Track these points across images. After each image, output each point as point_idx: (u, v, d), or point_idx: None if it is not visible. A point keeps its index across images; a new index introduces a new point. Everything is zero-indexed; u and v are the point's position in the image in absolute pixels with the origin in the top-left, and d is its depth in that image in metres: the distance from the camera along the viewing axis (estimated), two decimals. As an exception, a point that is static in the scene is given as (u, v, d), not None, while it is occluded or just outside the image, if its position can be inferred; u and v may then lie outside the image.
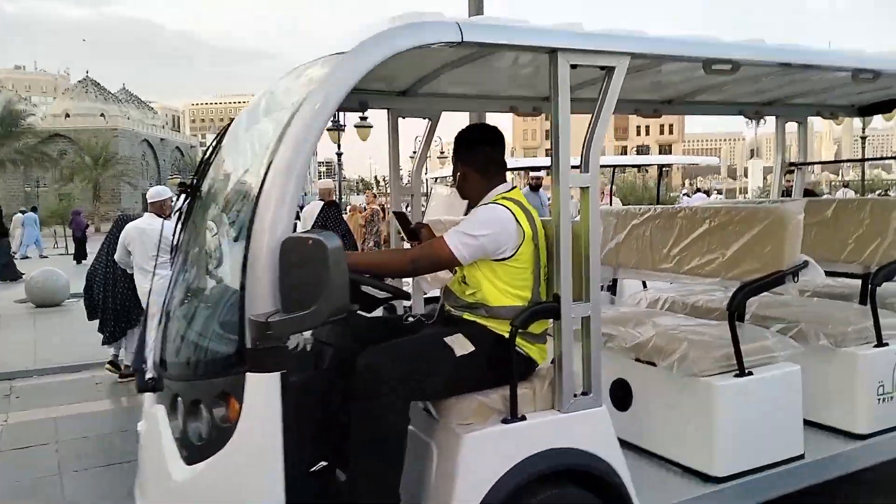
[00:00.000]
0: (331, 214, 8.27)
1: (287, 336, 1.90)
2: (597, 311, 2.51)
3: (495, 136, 2.68)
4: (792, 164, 5.10)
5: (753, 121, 5.32)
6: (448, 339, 2.38)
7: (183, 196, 2.67)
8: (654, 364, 3.04)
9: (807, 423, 3.26)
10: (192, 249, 2.55)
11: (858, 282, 3.90)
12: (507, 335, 2.40)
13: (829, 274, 4.33)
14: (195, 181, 2.65)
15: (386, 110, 3.72)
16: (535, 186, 10.06)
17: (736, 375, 2.90)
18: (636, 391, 3.18)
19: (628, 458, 3.06)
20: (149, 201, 6.34)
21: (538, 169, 9.56)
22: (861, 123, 23.83)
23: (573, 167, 2.46)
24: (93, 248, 20.70)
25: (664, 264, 3.67)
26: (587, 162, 2.47)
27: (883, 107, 4.94)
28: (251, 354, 1.88)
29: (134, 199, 60.21)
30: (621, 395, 3.24)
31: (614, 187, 13.91)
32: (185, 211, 2.65)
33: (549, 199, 15.95)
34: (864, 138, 23.44)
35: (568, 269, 2.43)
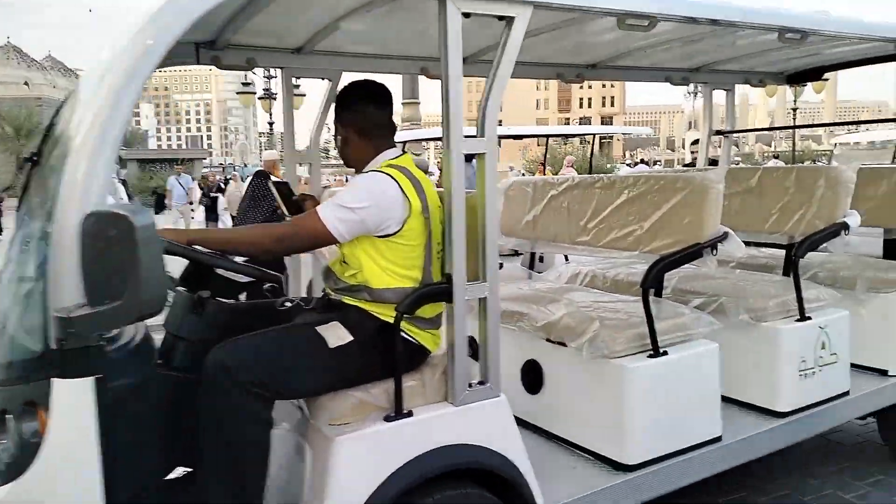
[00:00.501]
0: (258, 186, 7.63)
1: (100, 333, 1.56)
2: (494, 292, 2.25)
3: (382, 95, 2.37)
4: (718, 131, 4.94)
5: (692, 94, 5.19)
6: (321, 329, 2.08)
7: (28, 166, 2.28)
8: (564, 345, 2.82)
9: (728, 400, 3.12)
10: (20, 229, 2.17)
11: (784, 252, 3.77)
12: (392, 321, 2.12)
13: (754, 244, 4.22)
14: (39, 149, 2.26)
15: (279, 69, 3.38)
16: (468, 157, 9.72)
17: (650, 356, 2.70)
18: (547, 373, 2.96)
19: (538, 446, 2.86)
20: None
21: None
22: (793, 96, 24.34)
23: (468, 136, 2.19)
24: (9, 223, 19.61)
25: (582, 237, 3.45)
26: (483, 126, 2.19)
27: (811, 74, 4.83)
28: (57, 357, 1.54)
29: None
30: (532, 378, 3.02)
31: (574, 158, 13.81)
32: (25, 184, 2.26)
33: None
34: (794, 110, 24.01)
35: (461, 246, 2.16)
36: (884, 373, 3.57)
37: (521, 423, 3.01)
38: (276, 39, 3.17)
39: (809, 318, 3.20)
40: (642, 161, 23.98)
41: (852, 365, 3.42)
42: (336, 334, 2.07)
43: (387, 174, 2.16)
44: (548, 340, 2.92)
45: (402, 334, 2.18)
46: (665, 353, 2.72)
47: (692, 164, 7.78)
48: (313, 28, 3.01)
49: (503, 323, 3.06)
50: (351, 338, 2.09)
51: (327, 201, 2.14)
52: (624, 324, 2.76)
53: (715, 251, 2.79)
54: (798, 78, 4.87)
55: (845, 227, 3.28)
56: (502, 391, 2.31)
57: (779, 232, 3.59)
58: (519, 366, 3.06)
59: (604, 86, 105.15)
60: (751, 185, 3.71)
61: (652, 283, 2.72)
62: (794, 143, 22.80)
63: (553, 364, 2.94)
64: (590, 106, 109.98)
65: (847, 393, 3.34)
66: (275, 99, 19.29)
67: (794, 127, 18.06)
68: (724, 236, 2.79)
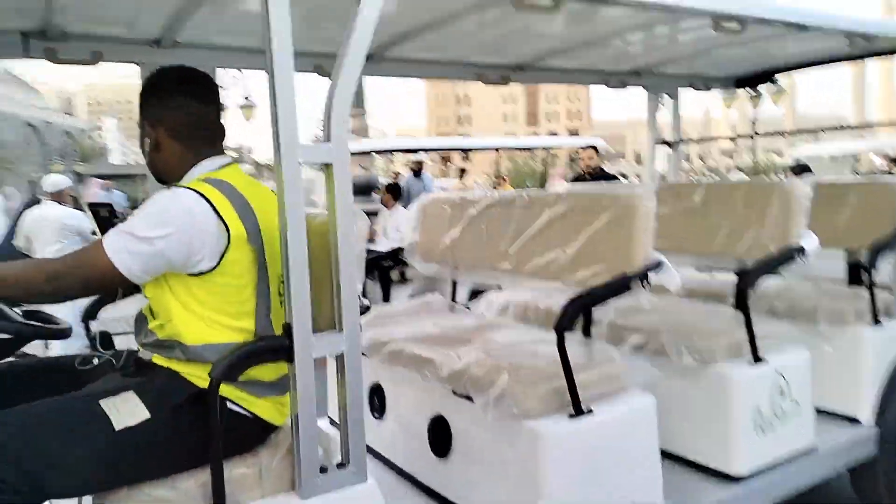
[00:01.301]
0: None
1: None
2: (354, 346, 1.72)
3: (205, 86, 1.86)
4: (663, 142, 4.50)
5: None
6: (106, 403, 1.53)
7: None
8: (472, 399, 2.30)
9: (671, 457, 2.61)
10: None
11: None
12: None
13: (702, 270, 3.74)
14: None
15: (138, 65, 2.84)
16: (416, 171, 9.27)
17: (571, 416, 2.19)
18: (456, 433, 2.44)
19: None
20: (48, 191, 6.39)
21: (416, 151, 8.81)
22: (753, 109, 24.31)
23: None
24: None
25: (503, 264, 2.94)
26: (329, 129, 1.68)
27: (761, 77, 4.44)
28: None
29: (17, 184, 55.73)
30: (440, 438, 2.49)
31: (564, 170, 13.38)
32: None
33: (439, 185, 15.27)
34: (753, 122, 23.92)
35: (303, 286, 1.62)
36: (854, 421, 3.08)
37: (429, 492, 2.51)
38: (125, 28, 2.66)
39: (764, 359, 2.72)
40: (623, 175, 23.06)
41: (817, 411, 2.93)
42: (125, 410, 1.52)
43: (194, 191, 1.62)
44: (454, 393, 2.40)
45: (230, 405, 1.64)
46: (590, 411, 2.21)
47: (580, 177, 7.25)
48: (169, 12, 2.51)
49: (409, 369, 2.56)
50: (147, 415, 1.54)
51: (116, 227, 1.60)
52: (540, 375, 2.24)
53: (646, 283, 2.31)
54: (747, 82, 4.48)
55: (801, 250, 2.81)
56: (370, 476, 1.78)
57: (726, 255, 3.12)
58: (426, 423, 2.53)
59: (570, 100, 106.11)
60: (694, 203, 3.24)
61: (568, 325, 2.20)
62: (754, 155, 22.75)
63: (461, 422, 2.42)
64: (558, 120, 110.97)
65: (815, 449, 2.83)
66: (255, 106, 17.80)
67: (740, 137, 17.85)
68: (658, 265, 2.30)
